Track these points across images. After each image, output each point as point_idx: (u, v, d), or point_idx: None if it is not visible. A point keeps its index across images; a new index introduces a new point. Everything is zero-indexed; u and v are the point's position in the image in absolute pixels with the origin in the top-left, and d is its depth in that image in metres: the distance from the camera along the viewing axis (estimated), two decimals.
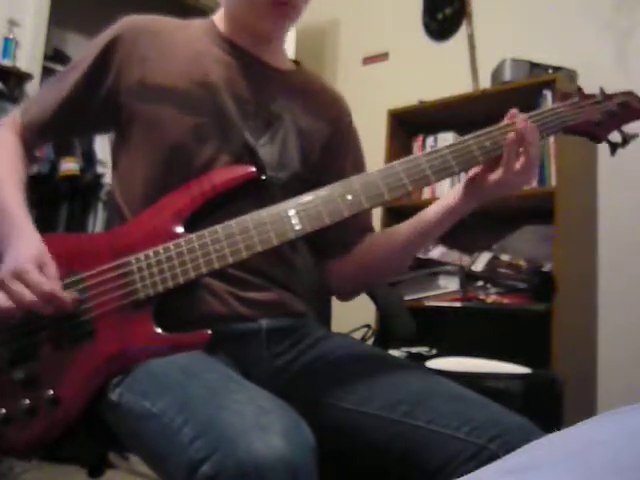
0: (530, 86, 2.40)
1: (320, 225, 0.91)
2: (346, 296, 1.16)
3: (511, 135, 0.94)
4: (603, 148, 1.05)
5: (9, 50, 2.78)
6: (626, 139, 1.00)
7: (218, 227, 0.91)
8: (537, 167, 0.93)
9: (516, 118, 0.96)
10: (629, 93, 1.00)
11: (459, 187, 1.00)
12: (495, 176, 0.95)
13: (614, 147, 1.00)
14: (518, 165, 0.93)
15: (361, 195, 0.91)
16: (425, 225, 1.02)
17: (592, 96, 1.00)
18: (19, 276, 0.86)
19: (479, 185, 0.97)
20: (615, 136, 1.01)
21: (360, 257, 1.10)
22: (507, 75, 2.48)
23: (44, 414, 0.86)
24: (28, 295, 0.85)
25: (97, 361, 0.88)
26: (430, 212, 1.02)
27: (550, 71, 2.45)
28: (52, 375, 0.87)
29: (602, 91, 1.00)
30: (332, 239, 1.08)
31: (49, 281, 0.87)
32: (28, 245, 0.91)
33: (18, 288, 0.85)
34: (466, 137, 0.96)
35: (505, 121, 0.97)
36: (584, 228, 2.45)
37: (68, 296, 0.87)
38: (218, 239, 0.90)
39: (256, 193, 0.99)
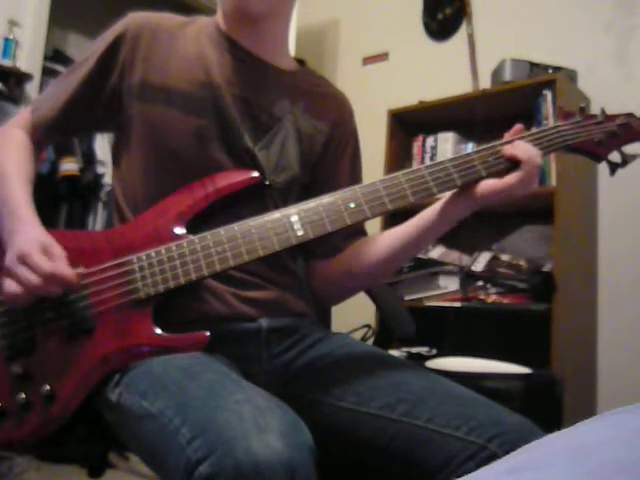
0: (530, 86, 2.40)
1: (322, 232, 0.91)
2: (328, 300, 1.15)
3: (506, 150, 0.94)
4: None
5: (9, 50, 2.77)
6: (626, 159, 1.01)
7: (221, 230, 0.91)
8: (535, 182, 0.94)
9: (519, 135, 0.96)
10: (630, 115, 1.02)
11: (452, 194, 0.98)
12: (490, 183, 0.94)
13: (614, 167, 1.01)
14: (514, 178, 0.93)
15: (364, 204, 0.92)
16: (415, 233, 1.01)
17: (594, 116, 1.01)
18: (22, 260, 0.86)
19: (473, 191, 0.95)
20: (615, 156, 1.01)
21: (346, 261, 1.08)
22: (507, 75, 2.47)
23: (40, 409, 0.86)
24: (33, 278, 0.85)
25: (95, 358, 0.88)
26: (420, 220, 1.01)
27: (550, 71, 2.44)
28: (49, 371, 0.88)
29: (603, 112, 1.01)
30: (321, 240, 1.08)
31: (49, 261, 0.86)
32: (32, 232, 0.91)
33: (23, 272, 0.85)
34: (469, 152, 0.97)
35: (508, 137, 0.97)
36: (584, 228, 2.45)
37: (70, 272, 0.87)
38: (220, 242, 0.90)
39: (256, 197, 0.99)
